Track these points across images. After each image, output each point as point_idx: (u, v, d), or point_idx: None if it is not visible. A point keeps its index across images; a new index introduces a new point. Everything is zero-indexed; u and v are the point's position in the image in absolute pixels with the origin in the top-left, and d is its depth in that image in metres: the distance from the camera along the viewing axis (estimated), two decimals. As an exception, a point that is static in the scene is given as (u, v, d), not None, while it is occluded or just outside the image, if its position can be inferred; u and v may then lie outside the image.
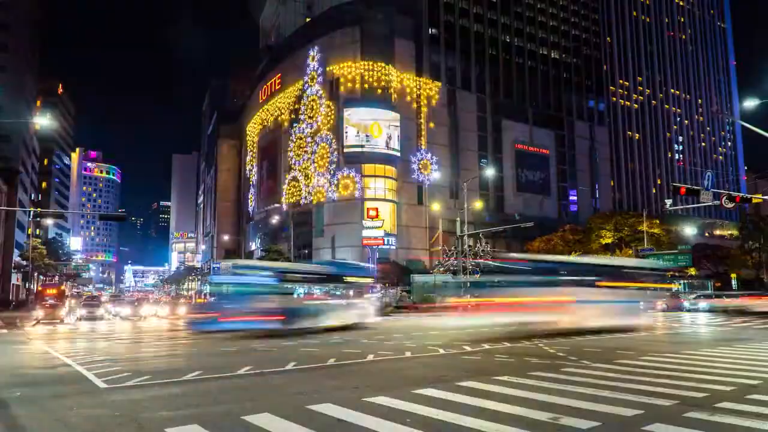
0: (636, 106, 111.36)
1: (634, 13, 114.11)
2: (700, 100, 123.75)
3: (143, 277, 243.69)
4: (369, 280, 30.47)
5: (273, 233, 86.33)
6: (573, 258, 32.48)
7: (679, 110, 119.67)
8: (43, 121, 54.98)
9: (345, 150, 73.88)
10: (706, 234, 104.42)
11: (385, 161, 74.67)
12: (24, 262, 68.78)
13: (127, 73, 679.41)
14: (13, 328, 30.22)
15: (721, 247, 73.96)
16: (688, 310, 41.87)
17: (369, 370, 12.91)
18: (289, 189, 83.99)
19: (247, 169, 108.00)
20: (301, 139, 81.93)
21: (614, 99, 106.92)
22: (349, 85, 75.62)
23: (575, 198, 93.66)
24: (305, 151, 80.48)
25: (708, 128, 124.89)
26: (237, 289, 24.70)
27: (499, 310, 21.13)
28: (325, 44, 78.98)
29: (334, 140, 75.41)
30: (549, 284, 20.80)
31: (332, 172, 75.19)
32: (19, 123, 71.52)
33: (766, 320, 30.53)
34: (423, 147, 77.40)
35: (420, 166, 76.39)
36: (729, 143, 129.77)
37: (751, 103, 24.57)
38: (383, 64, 75.66)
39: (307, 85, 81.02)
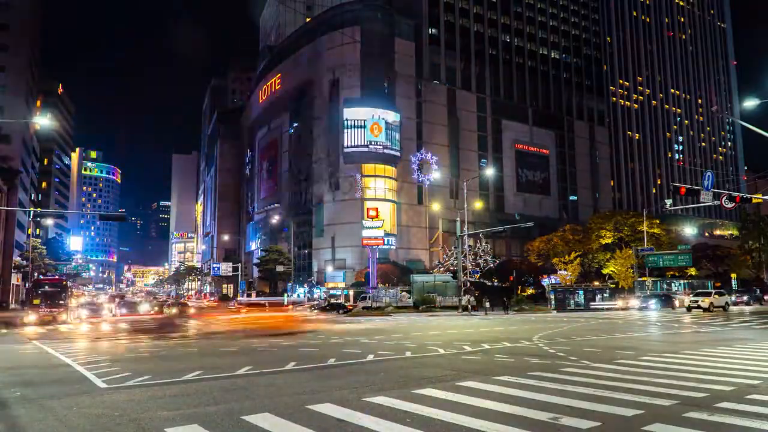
0: (636, 106, 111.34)
1: (634, 13, 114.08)
2: (700, 100, 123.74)
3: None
4: None
5: (273, 233, 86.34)
6: None
7: (679, 110, 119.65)
8: (43, 121, 54.87)
9: (345, 150, 73.85)
10: (706, 234, 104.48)
11: (385, 161, 74.63)
12: (24, 262, 68.75)
13: (127, 73, 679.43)
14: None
15: (721, 247, 74.01)
16: None
17: (369, 369, 12.91)
18: (289, 189, 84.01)
19: (247, 169, 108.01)
20: (301, 138, 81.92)
21: (614, 99, 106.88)
22: (349, 84, 75.59)
23: (575, 198, 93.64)
24: (305, 152, 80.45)
25: (708, 128, 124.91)
26: None
27: None
28: (325, 44, 78.95)
29: (334, 140, 75.37)
30: None
31: (332, 172, 75.14)
32: (19, 123, 71.53)
33: (766, 320, 30.50)
34: (423, 147, 77.36)
35: (420, 166, 76.35)
36: (729, 143, 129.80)
37: (751, 103, 24.52)
38: (383, 65, 75.62)
39: (307, 85, 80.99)
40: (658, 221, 66.02)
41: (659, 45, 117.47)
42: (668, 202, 58.07)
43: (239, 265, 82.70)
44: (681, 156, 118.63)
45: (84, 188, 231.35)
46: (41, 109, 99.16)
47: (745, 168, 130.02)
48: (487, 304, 44.61)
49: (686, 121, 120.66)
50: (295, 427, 7.47)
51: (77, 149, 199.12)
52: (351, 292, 61.25)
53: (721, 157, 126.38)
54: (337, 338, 21.42)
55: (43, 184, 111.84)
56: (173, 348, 19.03)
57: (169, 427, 7.54)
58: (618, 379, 10.87)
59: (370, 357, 15.10)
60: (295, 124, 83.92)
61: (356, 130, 73.86)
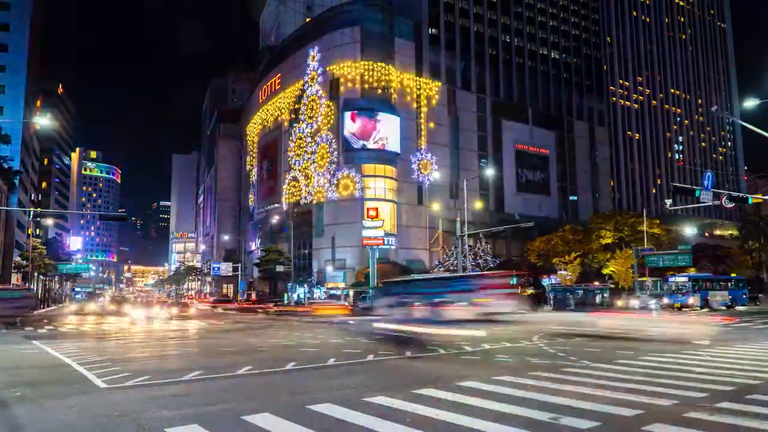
0: (636, 106, 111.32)
1: (634, 13, 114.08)
2: (700, 100, 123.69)
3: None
4: None
5: (273, 233, 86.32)
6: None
7: (679, 110, 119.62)
8: (43, 121, 54.99)
9: (345, 150, 73.85)
10: (706, 234, 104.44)
11: (385, 161, 74.62)
12: (24, 262, 68.72)
13: (127, 72, 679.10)
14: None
15: (721, 247, 73.92)
16: None
17: (369, 369, 12.91)
18: (289, 189, 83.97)
19: (247, 169, 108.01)
20: (301, 139, 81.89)
21: (614, 99, 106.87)
22: (349, 85, 75.56)
23: (575, 198, 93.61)
24: (305, 151, 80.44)
25: (708, 128, 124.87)
26: None
27: None
28: (325, 44, 78.92)
29: (333, 140, 75.38)
30: None
31: (332, 172, 75.13)
32: (19, 123, 71.60)
33: (766, 319, 30.51)
34: (423, 147, 77.33)
35: (420, 166, 76.31)
36: (729, 143, 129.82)
37: (751, 103, 24.53)
38: (383, 64, 75.59)
39: (307, 85, 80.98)
40: (658, 221, 65.93)
41: (659, 45, 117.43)
42: (668, 202, 58.08)
43: (239, 265, 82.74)
44: (681, 156, 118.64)
45: (84, 188, 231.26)
46: (41, 109, 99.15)
47: (745, 168, 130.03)
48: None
49: (686, 121, 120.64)
50: (295, 427, 7.48)
51: (77, 149, 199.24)
52: (351, 292, 61.22)
53: (721, 157, 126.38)
54: (337, 339, 21.43)
55: (43, 184, 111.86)
56: (173, 348, 19.03)
57: (169, 427, 7.54)
58: (618, 379, 10.87)
59: (370, 357, 15.11)
60: (295, 124, 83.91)
61: (356, 129, 73.85)
